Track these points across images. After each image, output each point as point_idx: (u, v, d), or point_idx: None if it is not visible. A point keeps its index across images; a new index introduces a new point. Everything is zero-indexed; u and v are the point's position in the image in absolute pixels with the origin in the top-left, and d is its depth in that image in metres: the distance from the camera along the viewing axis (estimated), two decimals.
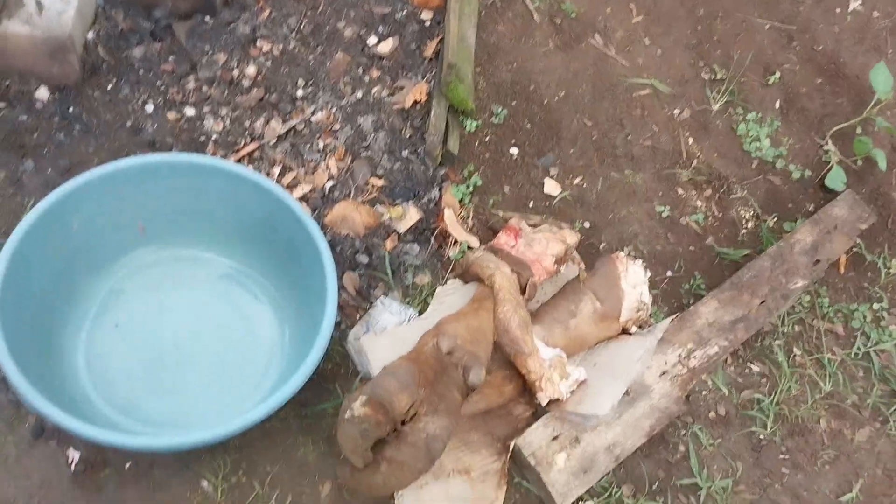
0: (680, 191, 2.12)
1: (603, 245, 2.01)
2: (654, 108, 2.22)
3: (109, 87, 1.97)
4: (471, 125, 2.07)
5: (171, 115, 1.96)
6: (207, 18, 2.08)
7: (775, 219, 2.13)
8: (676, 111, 2.23)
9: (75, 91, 1.94)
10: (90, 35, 1.97)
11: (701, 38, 2.36)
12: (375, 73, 2.09)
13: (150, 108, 1.97)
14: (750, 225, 2.11)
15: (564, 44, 2.27)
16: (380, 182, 1.96)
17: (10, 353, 1.39)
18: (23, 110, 1.91)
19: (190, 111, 1.98)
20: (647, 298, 1.81)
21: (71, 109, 1.93)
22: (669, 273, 2.01)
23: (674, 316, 1.86)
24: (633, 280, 1.80)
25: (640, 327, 1.83)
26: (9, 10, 1.86)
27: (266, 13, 2.12)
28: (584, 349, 1.77)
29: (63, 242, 1.62)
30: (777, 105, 2.30)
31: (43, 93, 1.93)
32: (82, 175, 1.62)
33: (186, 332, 1.72)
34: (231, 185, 1.71)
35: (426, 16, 2.20)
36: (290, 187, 1.91)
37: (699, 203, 2.11)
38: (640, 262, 1.83)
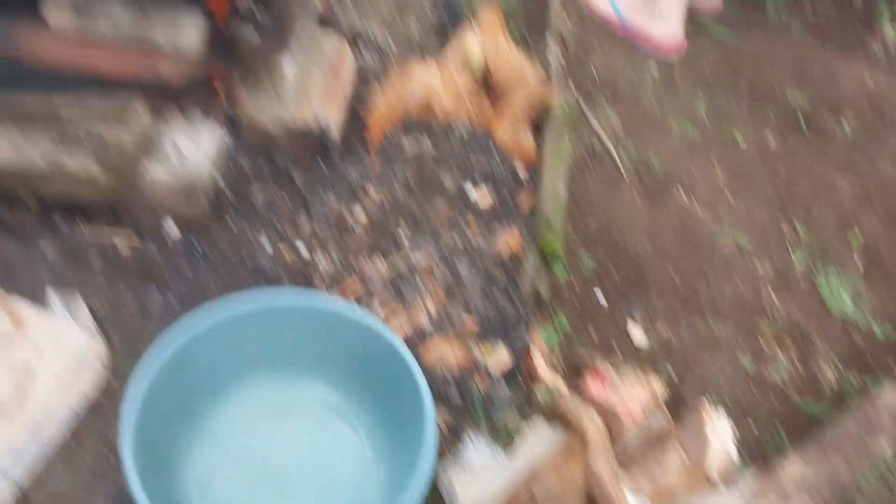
0: (763, 344, 2.18)
1: (687, 394, 2.06)
2: (737, 262, 2.31)
3: (231, 223, 2.16)
4: (561, 272, 2.19)
5: (285, 251, 2.13)
6: (323, 164, 2.28)
7: (858, 376, 2.16)
8: (758, 265, 2.32)
9: (201, 227, 2.13)
10: (218, 176, 2.18)
11: (782, 196, 2.46)
12: (473, 221, 2.25)
13: (265, 243, 2.15)
14: (832, 381, 2.15)
15: (650, 197, 2.40)
16: (473, 322, 2.07)
17: (139, 478, 1.51)
18: (153, 244, 2.10)
19: (302, 248, 2.15)
20: (733, 450, 1.85)
21: (195, 244, 2.11)
22: (752, 425, 2.04)
23: (758, 471, 1.89)
24: (719, 430, 1.84)
25: (724, 480, 1.86)
26: (149, 154, 2.08)
27: (376, 162, 2.31)
28: (671, 501, 1.81)
29: (186, 374, 1.75)
30: (858, 262, 2.37)
31: (172, 228, 2.13)
32: (210, 316, 1.77)
33: (288, 460, 1.82)
34: (340, 323, 1.84)
35: (521, 169, 2.37)
36: (391, 323, 2.04)
37: (781, 357, 2.17)
38: (723, 412, 1.88)
